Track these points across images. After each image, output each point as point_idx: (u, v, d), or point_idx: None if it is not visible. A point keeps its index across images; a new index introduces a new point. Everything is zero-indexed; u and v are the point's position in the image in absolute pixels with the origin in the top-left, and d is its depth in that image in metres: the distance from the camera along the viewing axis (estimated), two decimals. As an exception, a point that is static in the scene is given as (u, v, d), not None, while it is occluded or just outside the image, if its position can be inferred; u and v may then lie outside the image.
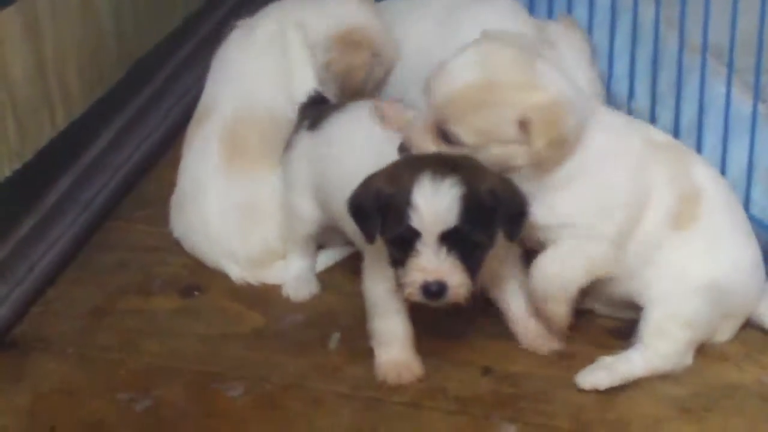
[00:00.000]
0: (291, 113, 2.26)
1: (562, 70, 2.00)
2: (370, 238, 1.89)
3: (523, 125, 1.88)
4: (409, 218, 1.82)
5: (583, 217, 1.95)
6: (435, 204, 1.82)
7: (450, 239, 1.83)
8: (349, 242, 2.21)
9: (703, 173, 2.02)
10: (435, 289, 1.84)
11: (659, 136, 2.05)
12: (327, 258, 2.28)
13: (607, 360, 2.00)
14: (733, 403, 1.95)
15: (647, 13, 2.25)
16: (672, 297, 1.99)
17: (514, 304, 2.06)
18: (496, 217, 1.86)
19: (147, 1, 2.56)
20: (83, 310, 2.19)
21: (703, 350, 2.04)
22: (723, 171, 2.15)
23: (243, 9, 2.62)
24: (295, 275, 2.23)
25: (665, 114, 2.26)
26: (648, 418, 1.93)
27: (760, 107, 2.13)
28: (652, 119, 2.27)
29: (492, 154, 1.91)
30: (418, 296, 1.86)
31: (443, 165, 1.85)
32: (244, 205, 2.24)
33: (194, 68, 2.58)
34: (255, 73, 2.33)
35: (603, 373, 1.98)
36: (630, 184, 1.97)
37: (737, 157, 2.14)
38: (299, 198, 2.19)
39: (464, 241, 1.84)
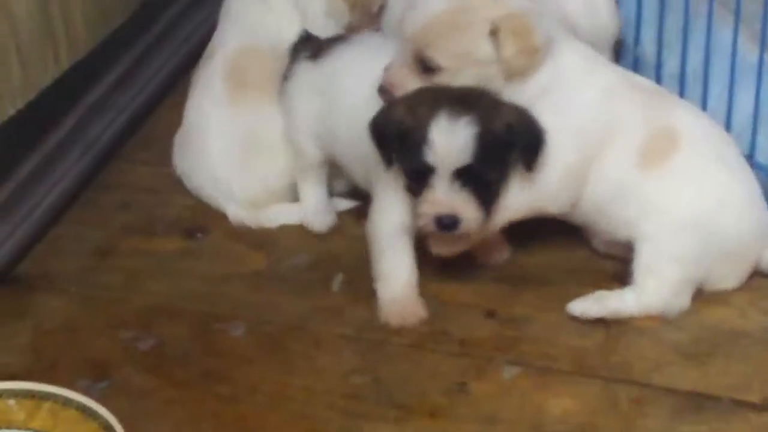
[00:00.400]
0: None
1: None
2: (388, 164, 1.93)
3: (494, 34, 1.91)
4: (424, 153, 1.85)
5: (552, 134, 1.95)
6: (450, 142, 1.85)
7: (464, 175, 1.87)
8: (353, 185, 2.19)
9: (683, 115, 2.01)
10: (448, 222, 1.88)
11: (641, 79, 2.06)
12: (342, 204, 2.26)
13: (602, 293, 2.01)
14: (736, 349, 1.94)
15: None
16: (657, 235, 1.98)
17: None
18: (511, 150, 1.90)
19: None
20: (86, 250, 2.18)
21: (706, 296, 2.03)
22: (729, 118, 2.13)
23: None
24: (313, 205, 2.21)
25: (671, 60, 2.23)
26: (650, 362, 1.92)
27: (766, 56, 2.09)
28: (658, 65, 2.24)
29: (469, 78, 1.94)
30: (431, 228, 1.90)
31: (461, 101, 1.88)
32: (245, 141, 2.22)
33: (200, 10, 2.56)
34: (257, 13, 2.31)
35: (594, 303, 2.00)
36: (594, 108, 1.98)
37: (743, 104, 2.12)
38: (300, 134, 2.17)
39: (478, 177, 1.87)
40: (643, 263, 1.98)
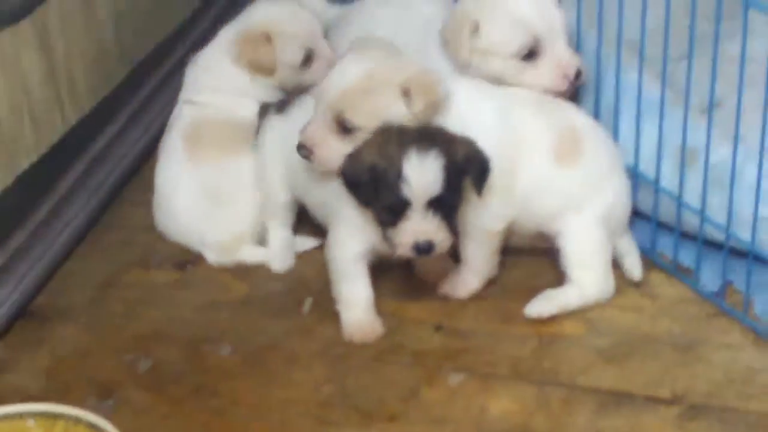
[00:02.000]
0: (248, 113, 2.13)
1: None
2: (365, 205, 1.84)
3: (406, 95, 1.84)
4: (401, 189, 1.77)
5: None
6: (423, 176, 1.77)
7: (435, 204, 1.79)
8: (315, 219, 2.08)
9: (577, 118, 1.99)
10: (425, 247, 1.80)
11: (528, 95, 1.99)
12: (301, 244, 2.14)
13: (549, 293, 1.96)
14: (649, 351, 1.89)
15: (571, 15, 2.10)
16: (578, 230, 1.94)
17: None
18: (465, 177, 1.82)
19: (143, 12, 2.46)
20: (93, 283, 2.11)
21: (622, 305, 1.99)
22: (637, 149, 2.03)
23: (223, 20, 2.47)
24: (278, 246, 2.11)
25: (587, 99, 2.13)
26: (576, 365, 1.88)
27: (668, 93, 2.01)
28: (577, 103, 2.12)
29: None
30: (409, 253, 1.81)
31: (424, 138, 1.80)
32: (209, 195, 2.11)
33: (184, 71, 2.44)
34: (213, 85, 2.19)
35: (545, 303, 1.94)
36: (496, 128, 1.91)
37: (649, 136, 2.02)
38: (271, 180, 2.08)
39: (446, 204, 1.80)
40: (574, 260, 1.94)
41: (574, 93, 2.06)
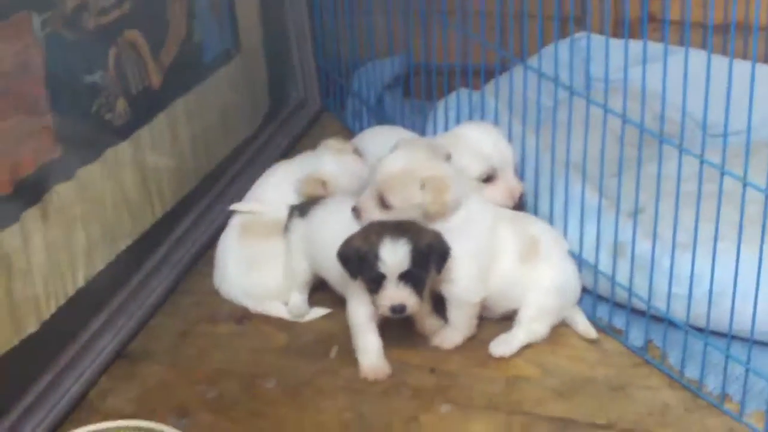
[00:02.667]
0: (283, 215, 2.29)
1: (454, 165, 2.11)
2: (354, 278, 1.97)
3: (422, 188, 1.98)
4: (378, 267, 1.91)
5: (462, 262, 2.03)
6: (394, 257, 1.91)
7: (405, 277, 1.92)
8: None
9: (539, 228, 2.12)
10: (398, 309, 1.93)
11: (507, 212, 2.16)
12: (316, 312, 2.26)
13: (504, 336, 2.08)
14: (590, 389, 1.99)
15: (530, 142, 2.29)
16: (538, 299, 2.07)
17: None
18: (431, 259, 1.95)
19: (211, 136, 2.58)
20: (173, 334, 2.21)
21: (570, 355, 2.08)
22: (581, 242, 2.17)
23: (279, 135, 2.69)
24: (295, 305, 2.23)
25: (543, 205, 2.29)
26: (534, 399, 1.97)
27: (603, 201, 2.17)
28: (535, 209, 2.31)
29: (410, 214, 2.01)
30: (388, 313, 1.94)
31: (397, 229, 1.94)
32: (250, 263, 2.25)
33: (245, 177, 2.60)
34: (265, 195, 2.37)
35: (506, 346, 2.06)
36: (486, 237, 2.06)
37: (590, 233, 2.18)
38: (297, 262, 2.21)
39: (413, 277, 1.93)
40: (529, 315, 2.07)
41: (519, 204, 2.26)
